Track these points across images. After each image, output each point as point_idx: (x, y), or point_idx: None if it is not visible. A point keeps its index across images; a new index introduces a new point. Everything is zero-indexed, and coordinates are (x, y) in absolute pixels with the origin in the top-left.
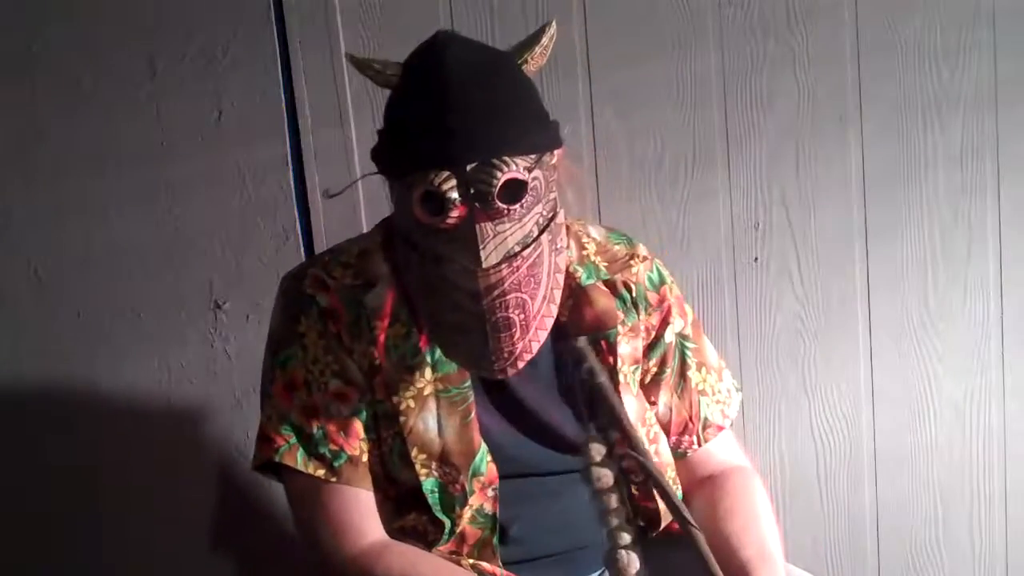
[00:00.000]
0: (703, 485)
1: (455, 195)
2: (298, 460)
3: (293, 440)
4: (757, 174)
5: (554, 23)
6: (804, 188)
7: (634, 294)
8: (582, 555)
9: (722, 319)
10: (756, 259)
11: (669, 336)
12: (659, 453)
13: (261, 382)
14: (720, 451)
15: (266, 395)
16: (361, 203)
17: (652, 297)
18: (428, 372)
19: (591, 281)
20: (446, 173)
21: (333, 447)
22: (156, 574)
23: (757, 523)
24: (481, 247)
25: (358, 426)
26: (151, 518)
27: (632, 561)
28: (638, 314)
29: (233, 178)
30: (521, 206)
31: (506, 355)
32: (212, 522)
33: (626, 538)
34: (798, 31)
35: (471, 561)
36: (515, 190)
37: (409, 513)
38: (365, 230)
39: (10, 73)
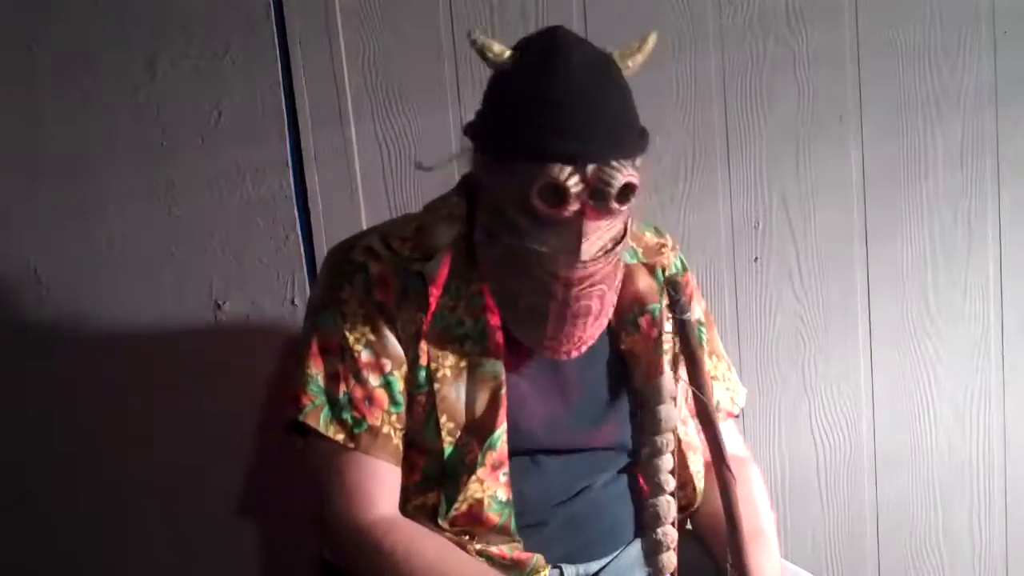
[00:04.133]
0: (705, 471)
1: (577, 191)
2: (320, 422)
3: (319, 401)
4: (757, 174)
5: (655, 34)
6: (804, 188)
7: (665, 289)
8: (596, 532)
9: (722, 319)
10: (756, 259)
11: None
12: (688, 435)
13: (298, 346)
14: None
15: (300, 357)
16: (361, 205)
17: None
18: (468, 344)
19: (632, 261)
20: (570, 169)
21: (356, 414)
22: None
23: (752, 505)
24: (584, 240)
25: (384, 398)
26: (153, 514)
27: (672, 508)
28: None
29: (233, 178)
30: (628, 207)
31: (576, 339)
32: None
33: (671, 485)
34: (798, 31)
35: (478, 546)
36: (628, 192)
37: (432, 490)
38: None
39: (10, 73)
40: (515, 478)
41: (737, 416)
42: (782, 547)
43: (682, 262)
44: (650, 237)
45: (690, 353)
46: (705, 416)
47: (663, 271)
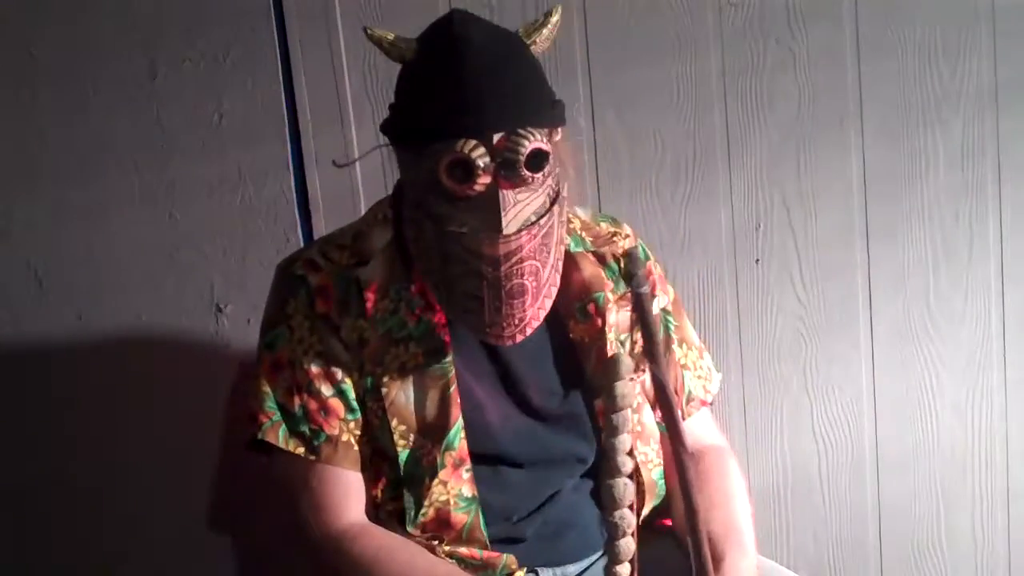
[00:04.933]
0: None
1: (484, 162)
2: (279, 437)
3: (276, 417)
4: (758, 175)
5: (560, 9)
6: (805, 189)
7: (622, 266)
8: (571, 537)
9: (724, 320)
10: (757, 260)
11: (655, 309)
12: (643, 423)
13: (253, 365)
14: (699, 429)
15: (254, 375)
16: (362, 207)
17: None
18: (412, 346)
19: (579, 250)
20: (474, 142)
21: (313, 426)
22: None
23: (727, 501)
24: (503, 214)
25: (338, 406)
26: (156, 518)
27: (629, 491)
28: (626, 285)
29: (234, 180)
30: (543, 175)
31: (516, 321)
32: (210, 509)
33: (628, 467)
34: (798, 32)
35: (447, 548)
36: (539, 159)
37: (399, 497)
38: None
39: (11, 75)
40: (480, 490)
41: (711, 404)
42: (784, 547)
43: (643, 250)
44: (604, 227)
45: (645, 327)
46: (661, 392)
47: (617, 260)
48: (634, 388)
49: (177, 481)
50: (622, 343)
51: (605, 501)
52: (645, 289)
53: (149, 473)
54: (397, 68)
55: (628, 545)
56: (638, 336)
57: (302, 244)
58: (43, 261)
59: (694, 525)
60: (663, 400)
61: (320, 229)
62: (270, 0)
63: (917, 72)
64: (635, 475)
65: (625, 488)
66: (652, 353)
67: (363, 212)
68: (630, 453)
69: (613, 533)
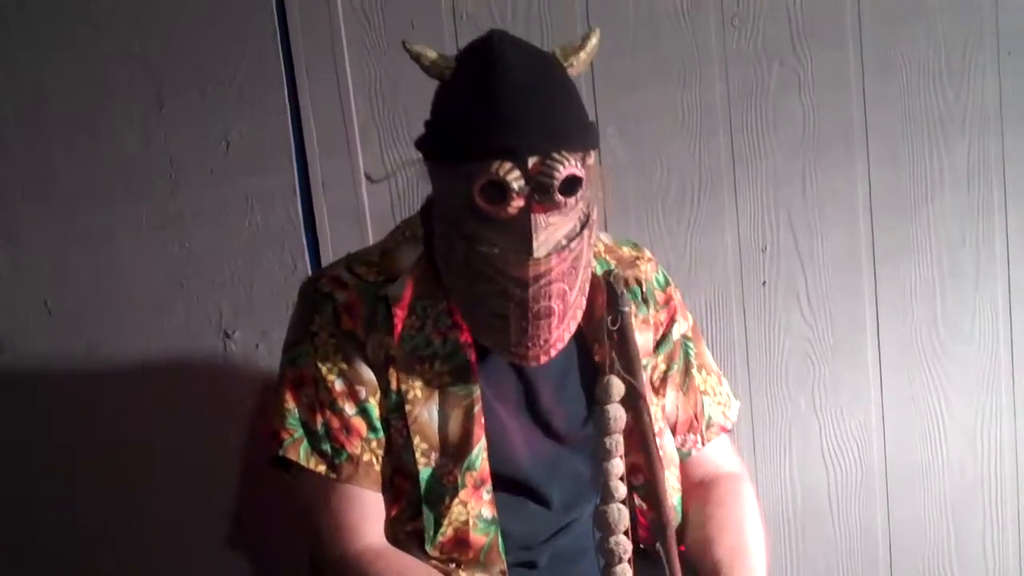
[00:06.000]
0: (695, 490)
1: (518, 186)
2: (301, 454)
3: (298, 434)
4: (764, 198)
5: (598, 32)
6: (811, 211)
7: (644, 290)
8: (585, 564)
9: (731, 343)
10: (764, 283)
11: (676, 334)
12: (663, 448)
13: (276, 381)
14: (717, 455)
15: (277, 392)
16: (369, 232)
17: (659, 296)
18: (437, 364)
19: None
20: (509, 164)
21: (335, 445)
22: None
23: (737, 526)
24: (535, 237)
25: (361, 425)
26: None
27: (623, 516)
28: (648, 308)
29: (241, 207)
30: (575, 199)
31: (542, 342)
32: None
33: (621, 492)
34: (802, 55)
35: (464, 574)
36: (572, 185)
37: (418, 516)
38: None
39: (20, 104)
40: (501, 516)
41: (730, 431)
42: (795, 571)
43: (664, 276)
44: (627, 251)
45: (623, 344)
46: (636, 405)
47: (639, 284)
48: (624, 414)
49: (187, 506)
50: (644, 367)
51: (600, 527)
52: (626, 308)
53: (159, 499)
54: (403, 95)
55: (625, 572)
56: (660, 360)
57: (310, 270)
58: (52, 288)
59: (664, 537)
60: (638, 422)
61: (327, 254)
62: (276, 27)
63: (922, 93)
64: (628, 500)
65: (619, 513)
66: (631, 369)
67: (371, 239)
68: (623, 478)
69: (609, 560)
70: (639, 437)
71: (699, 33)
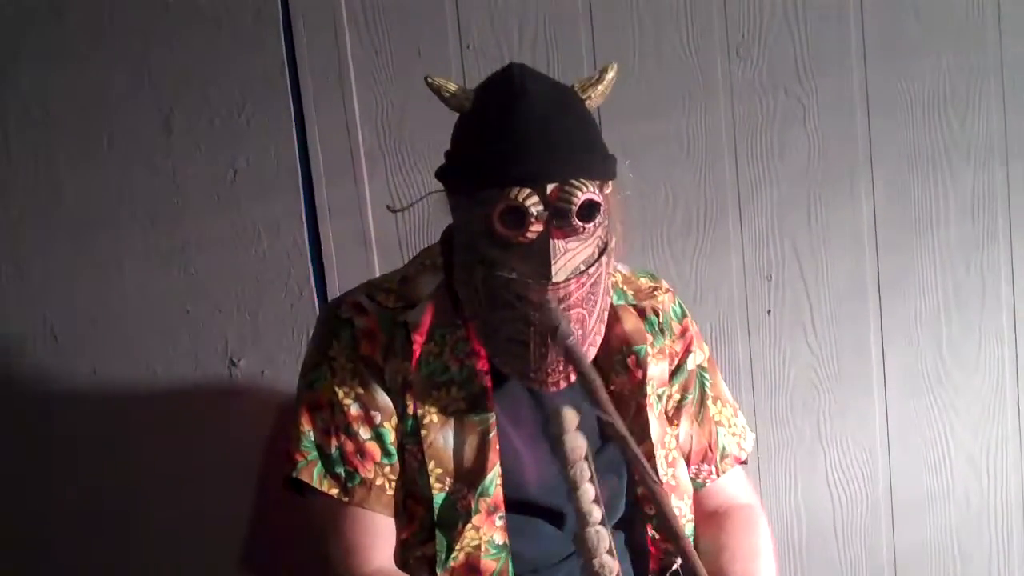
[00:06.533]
0: (709, 520)
1: (537, 211)
2: (314, 477)
3: (312, 457)
4: (769, 226)
5: (615, 66)
6: (816, 240)
7: (661, 320)
8: None
9: (736, 371)
10: (769, 311)
11: (691, 364)
12: (677, 477)
13: (293, 404)
14: (731, 486)
15: (293, 415)
16: (375, 260)
17: (676, 327)
18: (454, 390)
19: (621, 303)
20: (528, 190)
21: (348, 468)
22: None
23: (749, 557)
24: (553, 262)
25: (375, 450)
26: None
27: (602, 538)
28: (664, 339)
29: (248, 235)
30: (594, 225)
31: (560, 368)
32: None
33: (596, 515)
34: (807, 84)
35: None
36: (591, 210)
37: (430, 541)
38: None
39: (28, 131)
40: (512, 540)
41: (745, 462)
42: None
43: (681, 307)
44: (644, 282)
45: (582, 375)
46: (614, 434)
47: (656, 314)
48: (583, 442)
49: (193, 533)
50: (659, 396)
51: (581, 552)
52: (572, 341)
53: (164, 525)
54: (410, 123)
55: None
56: (674, 390)
57: (315, 297)
58: (58, 315)
59: (682, 549)
60: (621, 446)
61: (333, 283)
62: (284, 56)
63: (926, 122)
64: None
65: (598, 535)
66: (598, 402)
67: (377, 266)
68: (596, 500)
69: None
70: (628, 467)
71: (704, 62)
